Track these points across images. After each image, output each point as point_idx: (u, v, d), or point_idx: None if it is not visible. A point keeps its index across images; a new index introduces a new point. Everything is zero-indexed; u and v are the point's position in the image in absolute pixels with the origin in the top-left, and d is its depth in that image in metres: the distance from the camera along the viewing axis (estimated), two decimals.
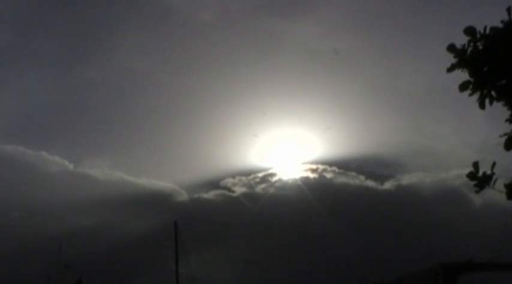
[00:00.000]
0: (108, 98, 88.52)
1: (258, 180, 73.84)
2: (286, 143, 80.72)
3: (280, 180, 73.59)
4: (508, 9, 6.38)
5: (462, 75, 6.70)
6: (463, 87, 6.75)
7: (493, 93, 6.58)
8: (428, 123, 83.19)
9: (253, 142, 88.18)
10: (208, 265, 53.32)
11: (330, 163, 73.79)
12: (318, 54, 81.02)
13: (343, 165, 73.72)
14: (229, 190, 73.26)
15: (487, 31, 6.46)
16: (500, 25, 6.41)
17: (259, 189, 72.90)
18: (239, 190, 73.49)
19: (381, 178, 72.27)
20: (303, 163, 76.25)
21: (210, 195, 73.20)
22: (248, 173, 74.25)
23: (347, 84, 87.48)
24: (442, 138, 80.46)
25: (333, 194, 68.29)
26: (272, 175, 74.19)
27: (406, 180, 73.53)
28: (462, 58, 6.55)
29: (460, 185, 64.77)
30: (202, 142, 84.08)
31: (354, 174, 73.32)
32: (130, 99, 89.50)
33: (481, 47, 6.47)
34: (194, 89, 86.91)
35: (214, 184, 73.48)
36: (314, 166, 74.02)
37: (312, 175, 73.56)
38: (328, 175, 73.93)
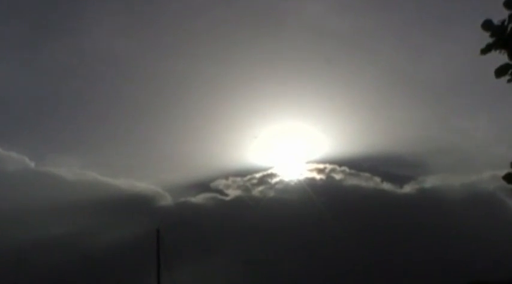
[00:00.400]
0: (81, 85, 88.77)
1: (255, 181, 75.09)
2: (288, 139, 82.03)
3: (281, 182, 74.39)
4: None
5: (499, 58, 6.49)
6: (500, 71, 6.52)
7: None
8: (456, 115, 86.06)
9: (250, 139, 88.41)
10: (195, 281, 54.05)
11: (339, 162, 75.05)
12: (326, 35, 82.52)
13: (354, 164, 74.17)
14: (222, 193, 74.17)
15: None
16: None
17: (256, 191, 73.99)
18: (233, 193, 74.45)
19: (399, 180, 73.13)
20: (308, 162, 77.56)
21: (199, 198, 73.96)
22: (244, 173, 75.24)
23: (360, 70, 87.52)
24: (472, 133, 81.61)
25: (343, 198, 68.89)
26: (272, 175, 75.38)
27: (430, 182, 74.67)
28: (500, 37, 6.22)
29: (495, 189, 65.89)
30: (190, 138, 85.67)
31: (367, 175, 74.15)
32: (108, 87, 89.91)
33: None
34: (183, 76, 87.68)
35: (203, 186, 74.27)
36: (321, 166, 75.48)
37: (318, 176, 74.44)
38: (338, 176, 74.91)
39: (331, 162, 75.25)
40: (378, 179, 73.84)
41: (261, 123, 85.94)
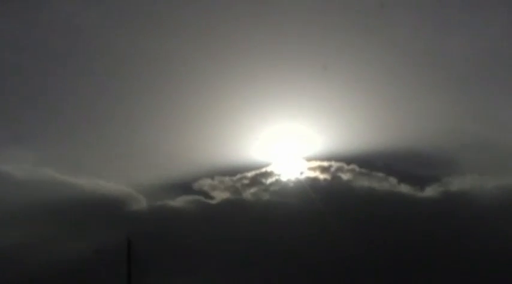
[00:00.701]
0: (36, 66, 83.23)
1: (246, 181, 74.59)
2: (286, 131, 79.61)
3: (277, 182, 73.64)
4: None
5: None
6: None
7: None
8: (489, 105, 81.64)
9: (240, 130, 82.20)
10: None
11: (347, 159, 73.87)
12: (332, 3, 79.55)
13: (366, 162, 73.88)
14: (206, 195, 73.61)
15: None
16: None
17: (248, 194, 73.28)
18: (220, 195, 73.73)
19: (420, 182, 72.32)
20: (310, 159, 75.77)
21: (179, 201, 72.89)
22: (233, 172, 74.81)
23: (371, 52, 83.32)
24: (510, 126, 78.86)
25: (352, 203, 68.56)
26: (267, 175, 74.62)
27: (457, 184, 73.14)
28: None
29: None
30: (169, 131, 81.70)
31: (381, 175, 73.30)
32: (70, 69, 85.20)
33: None
34: (162, 57, 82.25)
35: (184, 187, 74.09)
36: (325, 164, 74.30)
37: (322, 176, 73.69)
38: (345, 176, 73.92)
39: (337, 159, 74.50)
40: (394, 180, 73.29)
41: (254, 113, 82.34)
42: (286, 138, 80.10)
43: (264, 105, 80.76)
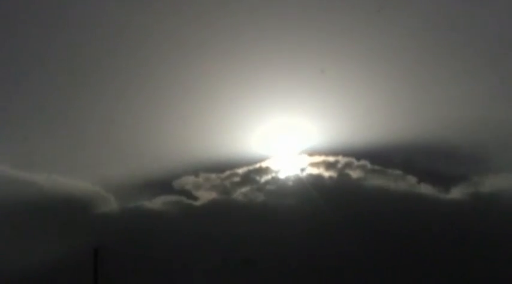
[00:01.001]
0: None
1: (237, 179, 74.98)
2: (285, 121, 78.88)
3: (274, 180, 74.15)
4: None
5: None
6: None
7: None
8: None
9: (230, 120, 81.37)
10: None
11: (357, 154, 74.04)
12: None
13: (379, 157, 73.77)
14: (189, 195, 73.82)
15: None
16: None
17: (239, 194, 73.59)
18: (205, 196, 74.10)
19: (444, 181, 72.01)
20: (313, 154, 75.34)
21: (156, 203, 73.29)
22: (221, 168, 75.26)
23: (388, 26, 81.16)
24: None
25: (364, 205, 68.98)
26: (261, 171, 74.83)
27: (489, 184, 71.11)
28: None
29: None
30: (145, 120, 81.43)
31: (398, 172, 73.11)
32: (24, 42, 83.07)
33: None
34: (140, 31, 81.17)
35: (163, 185, 74.53)
36: (331, 159, 74.60)
37: (327, 173, 73.93)
38: (355, 174, 73.95)
39: (345, 154, 73.05)
40: (413, 179, 72.38)
41: (246, 100, 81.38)
42: (285, 128, 79.86)
43: (259, 92, 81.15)
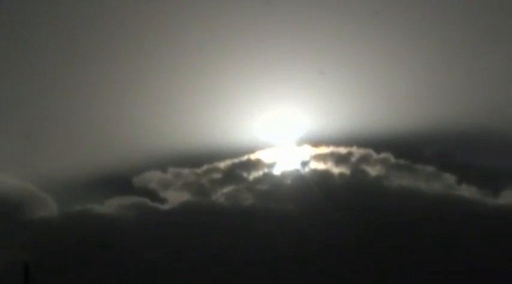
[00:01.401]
0: None
1: (217, 176, 73.98)
2: (281, 101, 79.84)
3: (266, 178, 73.09)
4: None
5: None
6: None
7: None
8: None
9: (208, 100, 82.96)
10: None
11: (376, 144, 73.43)
12: None
13: (406, 149, 73.45)
14: (154, 196, 72.96)
15: None
16: None
17: (220, 195, 72.41)
18: (175, 197, 72.90)
19: (492, 183, 71.33)
20: (318, 144, 75.25)
21: (109, 206, 72.28)
22: (197, 161, 74.71)
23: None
24: None
25: (386, 212, 67.61)
26: (249, 166, 74.04)
27: None
28: None
29: None
30: (95, 101, 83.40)
31: (431, 169, 72.54)
32: None
33: None
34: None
35: (119, 183, 74.47)
36: (342, 150, 74.07)
37: (337, 170, 73.07)
38: (374, 170, 73.05)
39: (361, 144, 73.90)
40: (452, 178, 71.93)
41: (229, 80, 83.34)
42: (281, 110, 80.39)
43: (248, 70, 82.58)
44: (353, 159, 73.96)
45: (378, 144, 73.82)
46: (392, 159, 73.40)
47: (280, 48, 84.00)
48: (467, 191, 72.42)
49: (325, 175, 73.00)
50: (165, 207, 72.41)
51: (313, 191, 70.64)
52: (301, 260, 64.02)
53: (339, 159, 74.06)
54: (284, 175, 73.95)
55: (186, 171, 74.48)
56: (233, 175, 74.13)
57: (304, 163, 74.62)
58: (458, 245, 65.07)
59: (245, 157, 74.78)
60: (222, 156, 74.98)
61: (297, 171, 74.08)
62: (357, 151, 74.11)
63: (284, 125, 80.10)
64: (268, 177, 73.73)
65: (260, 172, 73.92)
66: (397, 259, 63.57)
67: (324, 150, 75.13)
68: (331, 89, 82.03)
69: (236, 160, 74.59)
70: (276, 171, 74.26)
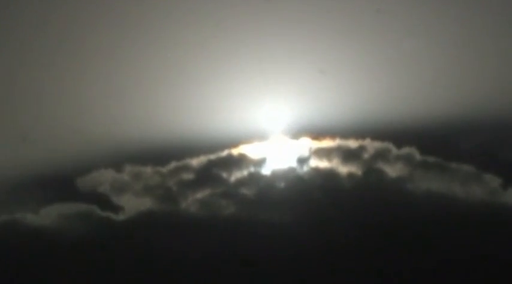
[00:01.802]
0: None
1: (189, 176, 72.90)
2: (272, 83, 79.75)
3: (253, 179, 72.08)
4: None
5: None
6: None
7: None
8: None
9: (175, 75, 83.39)
10: None
11: (396, 136, 73.16)
12: None
13: (435, 143, 73.85)
14: (103, 203, 71.77)
15: None
16: None
17: (190, 202, 71.01)
18: (132, 204, 71.72)
19: None
20: (320, 136, 74.24)
21: (46, 215, 70.69)
22: (162, 158, 74.29)
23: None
24: None
25: (411, 222, 66.45)
26: (230, 163, 73.23)
27: None
28: None
29: None
30: (26, 88, 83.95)
31: (469, 169, 71.54)
32: None
33: None
34: None
35: (59, 186, 73.31)
36: (351, 144, 73.75)
37: (344, 168, 72.28)
38: (394, 170, 71.80)
39: (376, 136, 73.02)
40: (494, 179, 70.36)
41: (205, 57, 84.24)
42: (272, 94, 79.83)
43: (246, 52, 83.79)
44: (366, 155, 72.53)
45: (398, 136, 73.59)
46: (418, 156, 72.07)
47: (277, 41, 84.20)
48: None
49: (329, 176, 71.47)
50: (119, 217, 70.32)
51: (313, 197, 69.14)
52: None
53: (348, 155, 72.68)
54: (276, 175, 72.19)
55: (147, 169, 72.97)
56: (209, 175, 72.19)
57: (303, 161, 73.08)
58: (504, 264, 63.34)
59: (225, 153, 73.14)
60: (194, 151, 73.42)
61: (293, 170, 72.65)
62: (372, 145, 72.90)
63: (276, 112, 78.80)
64: (254, 178, 71.89)
65: (244, 172, 72.14)
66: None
67: (329, 143, 73.88)
68: (340, 73, 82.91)
69: (213, 157, 72.95)
70: (265, 171, 72.70)
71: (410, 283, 63.78)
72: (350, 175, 70.95)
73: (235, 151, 72.97)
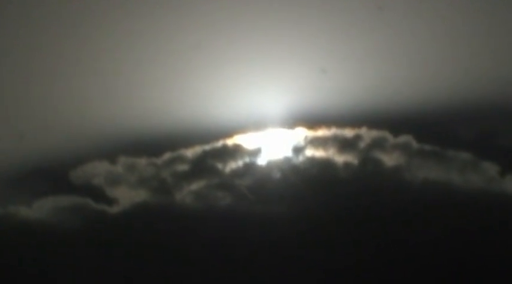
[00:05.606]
0: None
1: (183, 167, 72.80)
2: (267, 69, 79.61)
3: (248, 170, 71.69)
4: None
5: None
6: None
7: None
8: None
9: (170, 65, 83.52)
10: None
11: (393, 124, 72.98)
12: None
13: (432, 130, 74.15)
14: (97, 195, 71.55)
15: None
16: None
17: (185, 194, 70.67)
18: (126, 196, 71.22)
19: None
20: (316, 125, 73.95)
21: (39, 209, 70.20)
22: (156, 148, 73.92)
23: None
24: None
25: (409, 212, 65.97)
26: (225, 153, 72.80)
27: None
28: None
29: None
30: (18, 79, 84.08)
31: (467, 156, 71.31)
32: None
33: None
34: None
35: (52, 179, 73.60)
36: (347, 133, 73.32)
37: (340, 158, 71.86)
38: (391, 159, 71.64)
39: (373, 124, 72.65)
40: (493, 168, 70.56)
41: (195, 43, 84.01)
42: (268, 80, 79.49)
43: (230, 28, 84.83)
44: (362, 144, 71.67)
45: (395, 124, 72.81)
46: (415, 144, 71.18)
47: (272, 32, 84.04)
48: None
49: (325, 165, 70.63)
50: (113, 209, 69.86)
51: (309, 187, 68.29)
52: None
53: (344, 144, 71.71)
54: (271, 165, 71.72)
55: (141, 161, 72.34)
56: (204, 166, 71.63)
57: (298, 150, 72.33)
58: (503, 254, 63.00)
59: (220, 143, 72.49)
60: (189, 141, 72.99)
61: (289, 160, 71.85)
62: (368, 134, 71.89)
63: (271, 101, 78.70)
64: (250, 168, 71.34)
65: (240, 163, 71.49)
66: (425, 275, 62.35)
67: (325, 132, 72.88)
68: (333, 60, 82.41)
69: (208, 147, 72.24)
70: (261, 161, 72.02)
71: (408, 272, 63.33)
72: (346, 165, 70.65)
73: (230, 142, 72.74)
